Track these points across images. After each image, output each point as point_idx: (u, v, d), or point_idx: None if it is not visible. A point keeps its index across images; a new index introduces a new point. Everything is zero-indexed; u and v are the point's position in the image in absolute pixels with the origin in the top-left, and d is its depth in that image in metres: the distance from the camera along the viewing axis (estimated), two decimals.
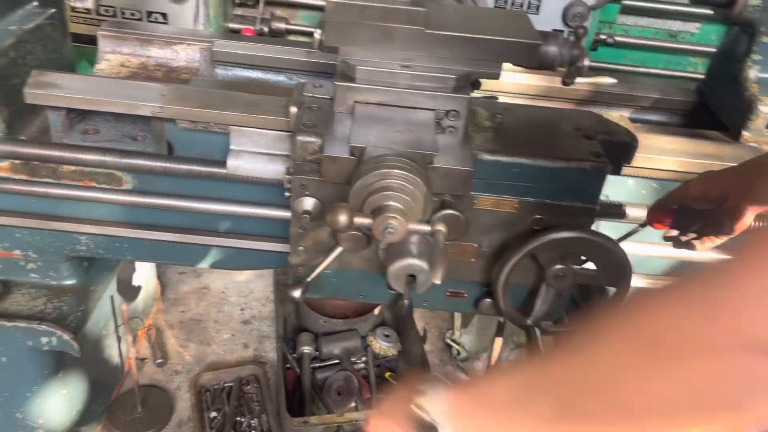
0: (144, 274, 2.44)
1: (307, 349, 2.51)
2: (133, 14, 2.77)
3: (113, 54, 1.80)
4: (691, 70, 3.13)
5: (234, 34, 2.62)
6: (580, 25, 1.41)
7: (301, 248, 1.41)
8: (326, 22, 1.31)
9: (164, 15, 2.76)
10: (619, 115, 1.51)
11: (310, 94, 1.42)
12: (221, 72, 1.81)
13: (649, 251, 1.63)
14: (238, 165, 1.50)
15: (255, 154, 1.50)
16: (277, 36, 3.00)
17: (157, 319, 2.72)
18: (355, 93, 1.33)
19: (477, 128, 1.39)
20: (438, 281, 0.99)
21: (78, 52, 2.77)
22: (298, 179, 1.32)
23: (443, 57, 1.35)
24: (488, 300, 1.46)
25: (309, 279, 1.40)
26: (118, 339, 2.21)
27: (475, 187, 1.31)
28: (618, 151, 1.42)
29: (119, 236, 1.67)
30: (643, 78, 3.13)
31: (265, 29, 2.88)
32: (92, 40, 2.74)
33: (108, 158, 1.51)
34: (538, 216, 1.36)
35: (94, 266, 1.91)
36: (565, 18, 2.70)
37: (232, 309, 2.85)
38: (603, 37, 2.88)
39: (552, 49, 1.43)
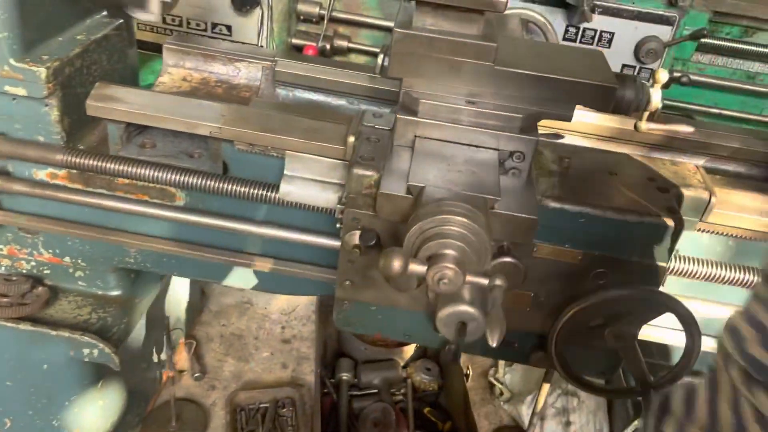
0: (188, 284, 2.45)
1: (345, 376, 2.47)
2: (198, 25, 2.81)
3: (176, 68, 1.81)
4: None
5: (297, 54, 2.62)
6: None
7: (348, 282, 1.37)
8: (392, 52, 1.28)
9: (228, 27, 2.80)
10: (693, 166, 1.42)
11: (369, 124, 1.39)
12: (282, 92, 1.80)
13: (718, 312, 1.53)
14: (290, 191, 1.48)
15: (308, 180, 1.48)
16: (338, 54, 3.01)
17: (198, 330, 2.73)
18: (416, 127, 1.29)
19: (542, 171, 1.32)
20: (494, 344, 0.93)
21: (143, 59, 2.84)
22: (350, 212, 1.28)
23: (511, 95, 1.30)
24: (541, 353, 1.39)
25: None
26: (159, 350, 2.21)
27: (536, 234, 1.25)
28: (692, 207, 1.34)
29: (168, 252, 1.67)
30: (715, 119, 3.01)
31: (328, 47, 2.89)
32: (158, 48, 2.80)
33: (163, 174, 1.50)
34: (601, 270, 1.28)
35: (141, 278, 1.91)
36: (637, 53, 2.62)
37: (273, 327, 2.84)
38: (677, 74, 2.78)
39: (628, 93, 1.36)
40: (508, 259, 1.19)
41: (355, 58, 3.05)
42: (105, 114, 1.45)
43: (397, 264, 0.94)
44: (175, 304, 2.40)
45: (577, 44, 2.62)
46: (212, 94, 1.79)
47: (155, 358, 2.21)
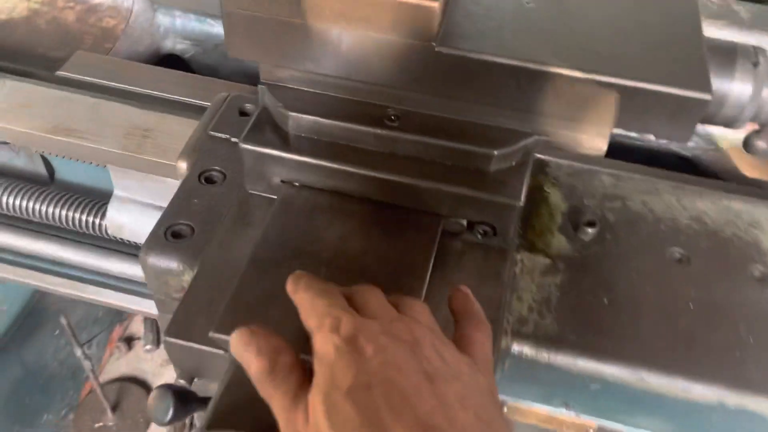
0: None
1: None
2: None
3: None
4: None
5: None
6: None
7: None
8: (222, 12, 0.63)
9: None
10: None
11: (221, 135, 0.76)
12: (165, 20, 1.16)
13: None
14: (122, 224, 0.90)
15: (149, 206, 0.89)
16: None
17: None
18: (281, 166, 0.66)
19: (536, 251, 0.68)
20: None
21: None
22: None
23: (472, 107, 0.64)
24: None
25: None
26: (85, 357, 1.78)
27: (518, 391, 0.65)
28: None
29: None
30: None
31: None
32: None
33: None
34: None
35: None
36: None
37: None
38: None
39: (738, 90, 0.67)
40: None
41: None
42: None
43: None
44: None
45: None
46: (59, 23, 1.17)
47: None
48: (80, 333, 1.87)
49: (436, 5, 0.57)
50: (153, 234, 0.66)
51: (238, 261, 0.63)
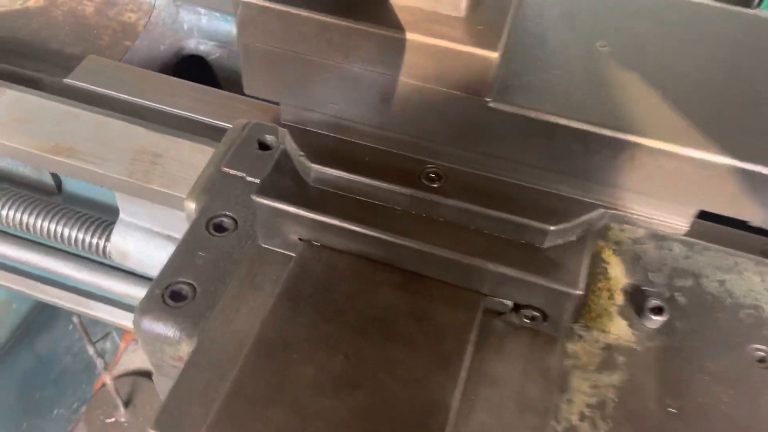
0: None
1: None
2: None
3: None
4: None
5: None
6: None
7: None
8: (240, 43, 0.54)
9: None
10: None
11: (236, 172, 0.68)
12: (189, 18, 1.08)
13: None
14: (127, 251, 0.83)
15: (156, 235, 0.82)
16: None
17: None
18: (300, 225, 0.57)
19: (594, 330, 0.59)
20: None
21: None
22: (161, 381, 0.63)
23: (528, 165, 0.54)
24: None
25: None
26: (97, 355, 1.73)
27: None
28: None
29: None
30: None
31: None
32: None
33: None
34: None
35: None
36: None
37: None
38: None
39: None
40: None
41: None
42: None
43: None
44: None
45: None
46: (77, 15, 1.09)
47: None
48: (96, 325, 1.82)
49: (494, 56, 0.48)
50: (150, 294, 0.58)
51: (243, 336, 0.54)
